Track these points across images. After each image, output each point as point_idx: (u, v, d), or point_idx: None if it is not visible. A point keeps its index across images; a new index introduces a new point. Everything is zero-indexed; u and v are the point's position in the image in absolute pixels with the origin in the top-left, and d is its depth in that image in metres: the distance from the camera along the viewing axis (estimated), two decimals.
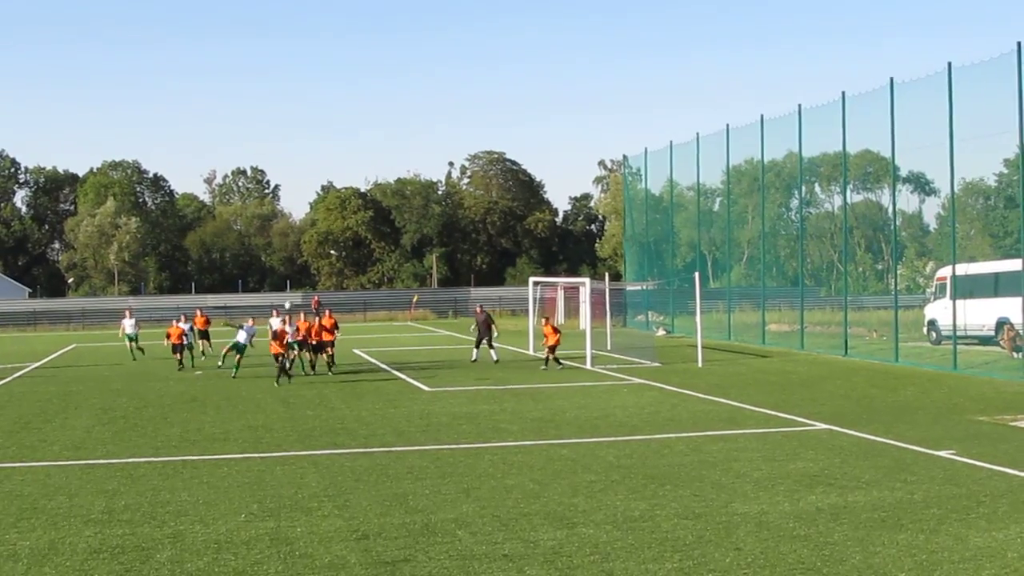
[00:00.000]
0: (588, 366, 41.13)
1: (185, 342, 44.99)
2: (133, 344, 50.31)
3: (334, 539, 15.20)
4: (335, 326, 41.80)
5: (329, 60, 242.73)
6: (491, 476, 19.63)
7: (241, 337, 40.30)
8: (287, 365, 37.65)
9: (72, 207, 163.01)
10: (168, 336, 45.06)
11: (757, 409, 28.42)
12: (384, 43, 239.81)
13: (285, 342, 37.91)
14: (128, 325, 51.08)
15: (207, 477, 20.20)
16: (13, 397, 35.23)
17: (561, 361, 40.87)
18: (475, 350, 45.12)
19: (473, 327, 46.73)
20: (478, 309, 47.27)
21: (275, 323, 40.40)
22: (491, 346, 44.75)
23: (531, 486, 18.52)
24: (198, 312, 51.93)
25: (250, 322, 41.93)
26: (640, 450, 22.29)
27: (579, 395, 32.53)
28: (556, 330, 41.37)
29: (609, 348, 47.74)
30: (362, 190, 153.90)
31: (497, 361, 43.77)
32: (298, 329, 40.19)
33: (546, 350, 41.01)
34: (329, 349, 41.22)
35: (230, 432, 26.19)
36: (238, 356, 40.18)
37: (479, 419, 27.46)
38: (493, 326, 45.15)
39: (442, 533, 15.39)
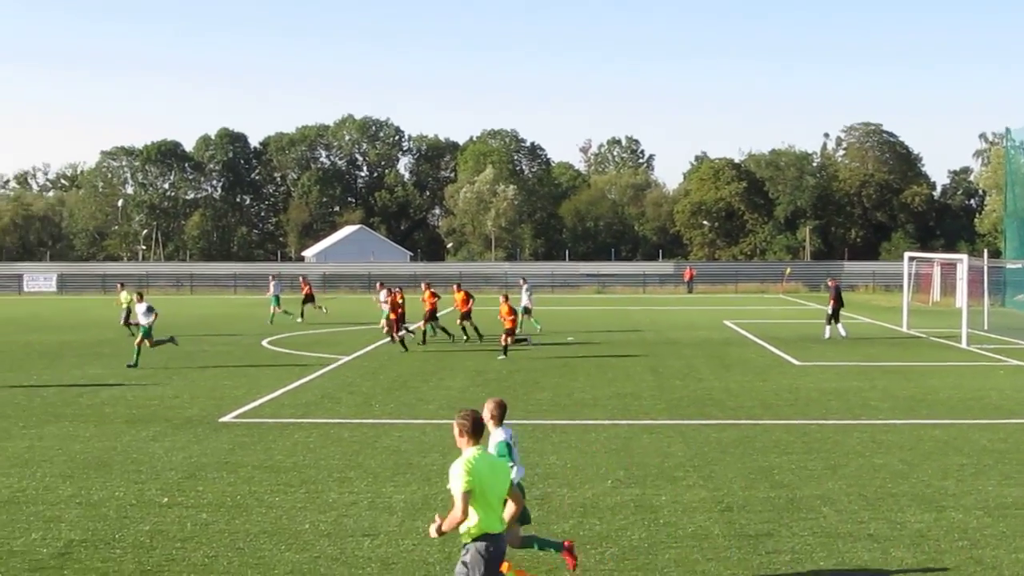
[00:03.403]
0: (963, 345, 39.90)
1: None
2: (278, 309, 53.52)
3: (698, 509, 15.38)
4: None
5: (702, 33, 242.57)
6: (859, 454, 19.42)
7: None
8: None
9: (452, 174, 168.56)
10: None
11: None
12: (759, 16, 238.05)
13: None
14: (274, 287, 54.50)
15: (575, 442, 20.72)
16: (392, 357, 36.78)
17: (509, 348, 36.96)
18: (827, 327, 43.56)
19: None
20: (830, 282, 45.62)
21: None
22: (830, 321, 43.24)
23: (899, 466, 18.23)
24: (302, 279, 55.42)
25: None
26: (1016, 435, 21.59)
27: (952, 375, 31.65)
28: (512, 311, 37.44)
29: (986, 328, 46.18)
30: (736, 161, 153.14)
31: (831, 337, 42.64)
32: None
33: (503, 334, 36.92)
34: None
35: (599, 398, 26.73)
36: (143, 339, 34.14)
37: (848, 395, 27.10)
38: (831, 302, 43.29)
39: (806, 509, 15.36)
